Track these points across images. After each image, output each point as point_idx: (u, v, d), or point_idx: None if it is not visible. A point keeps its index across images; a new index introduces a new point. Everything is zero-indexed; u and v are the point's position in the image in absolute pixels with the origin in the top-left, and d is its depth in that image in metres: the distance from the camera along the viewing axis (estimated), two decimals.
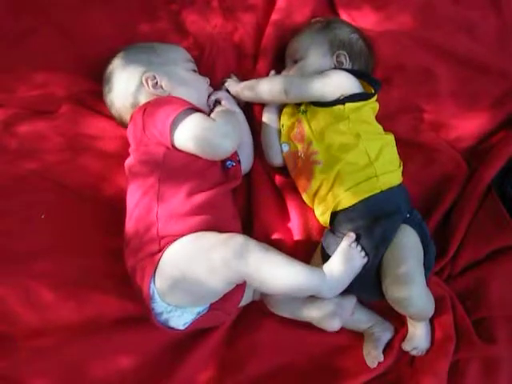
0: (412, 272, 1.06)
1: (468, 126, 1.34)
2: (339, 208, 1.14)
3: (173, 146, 1.09)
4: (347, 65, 1.24)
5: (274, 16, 1.35)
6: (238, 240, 1.02)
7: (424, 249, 1.12)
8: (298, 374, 1.17)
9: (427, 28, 1.37)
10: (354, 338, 1.20)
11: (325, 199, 1.16)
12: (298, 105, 1.24)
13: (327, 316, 1.11)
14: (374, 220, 1.11)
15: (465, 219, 1.24)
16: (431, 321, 1.17)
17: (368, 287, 1.13)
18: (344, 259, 1.08)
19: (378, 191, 1.12)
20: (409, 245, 1.10)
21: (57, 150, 1.24)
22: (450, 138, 1.34)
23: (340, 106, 1.17)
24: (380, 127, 1.22)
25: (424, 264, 1.11)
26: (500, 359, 1.14)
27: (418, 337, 1.14)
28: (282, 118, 1.25)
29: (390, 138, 1.21)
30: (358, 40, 1.27)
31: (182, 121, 1.09)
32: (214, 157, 1.12)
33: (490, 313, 1.17)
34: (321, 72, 1.21)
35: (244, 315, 1.20)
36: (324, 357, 1.17)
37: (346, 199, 1.13)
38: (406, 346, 1.15)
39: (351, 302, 1.13)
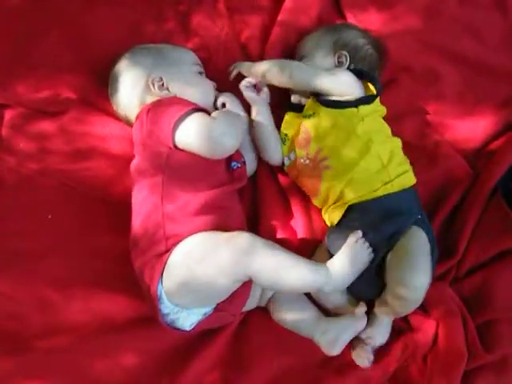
0: (423, 264, 1.04)
1: (474, 127, 1.35)
2: (350, 204, 1.14)
3: (175, 145, 1.10)
4: (346, 66, 1.24)
5: (281, 17, 1.36)
6: (244, 237, 1.03)
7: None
8: (305, 376, 1.16)
9: (433, 29, 1.38)
10: None
11: (335, 203, 1.17)
12: (301, 109, 1.23)
13: (328, 341, 1.13)
14: (384, 217, 1.11)
15: (471, 221, 1.23)
16: (442, 337, 1.16)
17: (366, 284, 1.12)
18: (350, 256, 1.08)
19: (392, 191, 1.13)
20: (420, 246, 1.08)
21: (64, 151, 1.24)
22: (456, 140, 1.34)
23: (353, 109, 1.17)
24: (389, 130, 1.22)
25: None
26: (507, 363, 1.14)
27: (379, 329, 1.14)
28: (283, 127, 1.24)
29: (398, 140, 1.21)
30: (365, 45, 1.27)
31: (183, 121, 1.09)
32: (214, 155, 1.12)
33: (496, 315, 1.17)
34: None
35: (250, 317, 1.20)
36: (331, 360, 1.16)
37: (358, 199, 1.14)
38: (362, 334, 1.14)
39: (358, 327, 1.13)
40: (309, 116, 1.20)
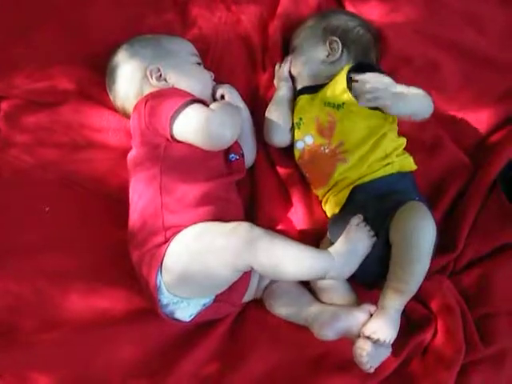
0: (421, 254, 1.04)
1: (474, 120, 1.33)
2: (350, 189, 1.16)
3: (172, 137, 1.09)
4: (339, 52, 1.23)
5: (280, 8, 1.35)
6: (244, 227, 1.03)
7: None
8: (299, 372, 1.16)
9: (434, 21, 1.37)
10: None
11: (339, 195, 1.17)
12: (313, 90, 1.23)
13: (320, 323, 1.09)
14: (382, 196, 1.10)
15: (470, 215, 1.23)
16: (440, 330, 1.15)
17: (372, 270, 1.10)
18: (351, 239, 1.07)
19: (390, 172, 1.14)
20: (417, 218, 1.05)
21: (61, 143, 1.24)
22: (455, 133, 1.33)
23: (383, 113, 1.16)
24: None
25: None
26: (505, 356, 1.14)
27: (386, 322, 1.05)
28: (297, 111, 1.23)
29: (403, 140, 1.21)
30: (355, 27, 1.26)
31: (181, 112, 1.08)
32: (212, 146, 1.11)
33: (494, 309, 1.17)
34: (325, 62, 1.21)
35: (247, 312, 1.20)
36: (328, 356, 1.15)
37: (359, 181, 1.15)
38: (366, 331, 1.04)
39: (357, 317, 1.07)
40: (337, 106, 1.18)
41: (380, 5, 1.36)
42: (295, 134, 1.24)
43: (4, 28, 1.28)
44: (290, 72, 1.28)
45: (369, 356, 1.04)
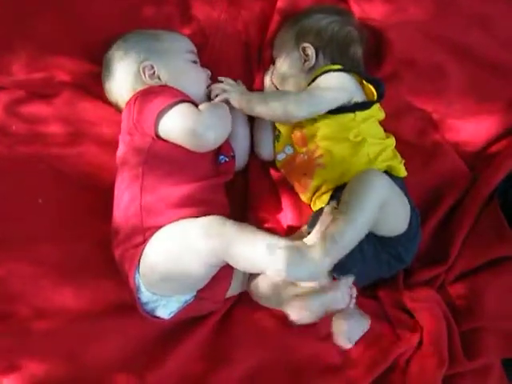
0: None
1: (477, 128, 1.30)
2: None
3: (157, 135, 1.08)
4: (314, 57, 1.20)
5: (280, 4, 1.32)
6: (212, 219, 1.01)
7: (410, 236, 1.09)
8: (286, 373, 1.16)
9: (441, 22, 1.32)
10: None
11: (323, 196, 1.16)
12: None
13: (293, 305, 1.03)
14: None
15: (464, 226, 1.21)
16: (425, 342, 1.14)
17: (353, 264, 1.07)
18: (325, 226, 1.03)
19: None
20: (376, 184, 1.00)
21: (56, 135, 1.24)
22: (456, 141, 1.30)
23: (350, 115, 1.14)
24: (382, 132, 1.19)
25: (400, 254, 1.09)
26: (488, 372, 1.14)
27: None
28: (276, 124, 1.23)
29: (390, 141, 1.18)
30: (329, 25, 1.21)
31: (167, 111, 1.07)
32: (198, 148, 1.10)
33: (481, 323, 1.16)
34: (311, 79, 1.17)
35: (234, 310, 1.20)
36: (314, 362, 1.15)
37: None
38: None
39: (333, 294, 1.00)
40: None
41: (386, 4, 1.32)
42: (276, 146, 1.23)
43: (2, 17, 1.27)
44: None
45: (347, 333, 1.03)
